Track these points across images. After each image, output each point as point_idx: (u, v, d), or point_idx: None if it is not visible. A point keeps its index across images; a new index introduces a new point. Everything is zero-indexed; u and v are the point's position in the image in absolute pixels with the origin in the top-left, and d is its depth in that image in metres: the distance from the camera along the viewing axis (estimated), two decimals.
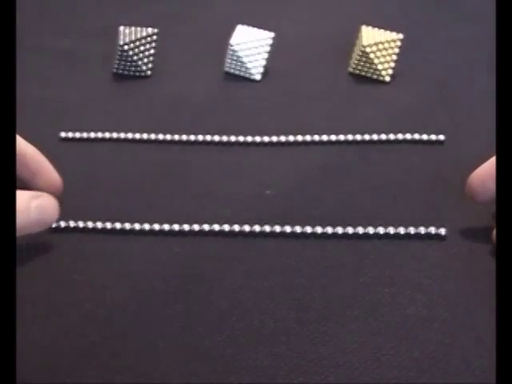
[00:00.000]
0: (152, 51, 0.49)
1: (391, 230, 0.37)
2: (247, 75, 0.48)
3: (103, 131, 0.44)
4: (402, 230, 0.37)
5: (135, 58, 0.48)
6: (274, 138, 0.43)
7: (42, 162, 0.38)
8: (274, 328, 0.33)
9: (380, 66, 0.47)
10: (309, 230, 0.37)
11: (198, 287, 0.35)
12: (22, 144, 0.37)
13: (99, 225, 0.38)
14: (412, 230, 0.37)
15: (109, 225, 0.38)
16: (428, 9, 0.55)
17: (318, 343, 0.32)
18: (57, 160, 0.42)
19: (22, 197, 0.34)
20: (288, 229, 0.37)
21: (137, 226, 0.37)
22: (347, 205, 0.39)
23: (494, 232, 0.35)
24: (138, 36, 0.48)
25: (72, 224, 0.38)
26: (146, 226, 0.37)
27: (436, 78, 0.48)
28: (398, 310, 0.33)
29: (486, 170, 0.35)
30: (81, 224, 0.38)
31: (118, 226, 0.37)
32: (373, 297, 0.34)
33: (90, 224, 0.38)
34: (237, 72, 0.48)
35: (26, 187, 0.38)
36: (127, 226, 0.37)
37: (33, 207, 0.34)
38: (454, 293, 0.34)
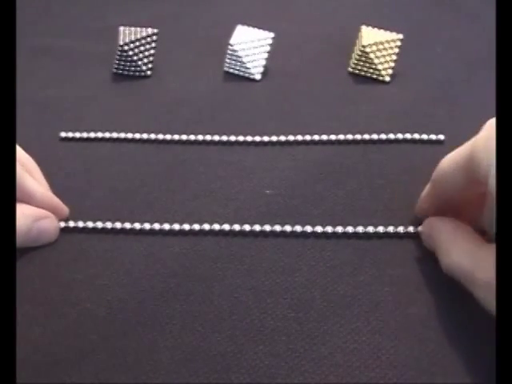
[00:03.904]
0: (152, 51, 0.49)
1: (391, 230, 0.37)
2: (247, 75, 0.48)
3: (103, 131, 0.44)
4: (401, 230, 0.37)
5: (135, 58, 0.48)
6: (274, 138, 0.43)
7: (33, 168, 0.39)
8: (274, 327, 0.33)
9: (380, 66, 0.47)
10: (309, 229, 0.37)
11: (197, 287, 0.35)
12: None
13: (99, 225, 0.38)
14: (412, 230, 0.37)
15: (109, 225, 0.38)
16: (428, 9, 0.55)
17: (318, 342, 0.32)
18: (57, 160, 0.42)
19: (26, 216, 0.35)
20: (288, 229, 0.37)
21: (137, 226, 0.37)
22: (347, 204, 0.39)
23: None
24: (138, 36, 0.48)
25: (72, 224, 0.38)
26: (146, 226, 0.37)
27: (436, 77, 0.48)
28: (398, 309, 0.33)
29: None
30: (81, 224, 0.38)
31: (118, 225, 0.38)
32: (373, 296, 0.34)
33: (89, 224, 0.38)
34: (237, 72, 0.48)
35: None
36: (127, 225, 0.37)
37: (34, 229, 0.35)
38: (453, 293, 0.34)
